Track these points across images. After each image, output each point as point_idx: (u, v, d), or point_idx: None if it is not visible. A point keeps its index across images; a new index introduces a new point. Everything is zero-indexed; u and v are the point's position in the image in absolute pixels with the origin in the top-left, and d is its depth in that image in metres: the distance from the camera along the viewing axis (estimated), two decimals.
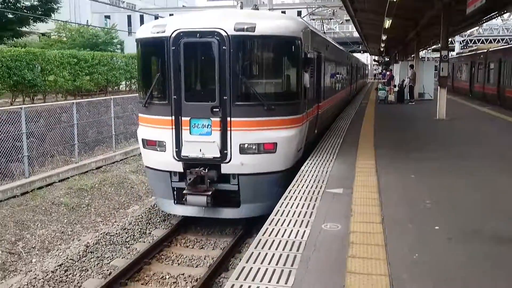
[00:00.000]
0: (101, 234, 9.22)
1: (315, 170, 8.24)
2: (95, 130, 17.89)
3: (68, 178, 13.68)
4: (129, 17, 76.96)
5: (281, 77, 8.69)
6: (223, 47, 7.78)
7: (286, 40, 8.35)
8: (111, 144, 17.35)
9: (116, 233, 9.21)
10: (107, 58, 22.74)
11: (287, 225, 5.38)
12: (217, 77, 7.86)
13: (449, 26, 15.89)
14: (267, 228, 5.29)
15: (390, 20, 16.52)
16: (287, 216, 5.72)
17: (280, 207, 6.08)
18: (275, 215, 5.74)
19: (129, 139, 20.04)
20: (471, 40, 58.29)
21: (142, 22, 76.93)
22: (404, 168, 8.37)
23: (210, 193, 7.93)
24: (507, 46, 25.44)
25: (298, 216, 5.68)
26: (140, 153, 17.59)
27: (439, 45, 46.14)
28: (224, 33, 7.78)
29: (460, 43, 61.86)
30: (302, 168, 8.43)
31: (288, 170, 8.45)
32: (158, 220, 10.11)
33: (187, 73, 8.11)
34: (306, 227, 5.30)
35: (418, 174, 7.86)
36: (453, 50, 63.14)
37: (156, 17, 74.94)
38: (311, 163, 8.89)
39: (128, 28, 74.69)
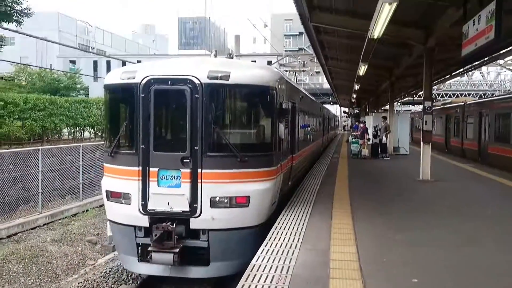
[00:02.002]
0: None
1: (271, 265, 5.67)
2: (19, 187, 15.00)
3: None
4: (95, 62, 74.86)
5: (256, 127, 8.34)
6: (196, 95, 7.46)
7: (261, 90, 8.02)
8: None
9: None
10: (44, 103, 19.94)
11: None
12: (188, 126, 7.51)
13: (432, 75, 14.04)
14: None
15: (366, 66, 14.63)
16: None
17: None
18: None
19: (65, 196, 17.19)
20: (438, 94, 58.43)
21: (108, 68, 74.93)
22: (399, 262, 5.91)
23: (177, 250, 7.31)
24: (488, 98, 24.09)
25: None
26: (71, 215, 15.22)
27: (408, 98, 45.34)
28: (197, 81, 7.48)
29: None
30: (253, 261, 5.85)
31: (261, 225, 7.93)
32: None
33: (156, 121, 7.74)
34: None
35: (421, 275, 5.38)
36: (421, 104, 63.25)
37: (124, 64, 73.63)
38: (268, 250, 6.34)
39: (94, 74, 72.52)
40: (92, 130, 24.90)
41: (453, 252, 6.36)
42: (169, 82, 7.60)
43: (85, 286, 8.95)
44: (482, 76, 60.33)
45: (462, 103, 25.15)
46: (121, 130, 8.19)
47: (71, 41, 76.51)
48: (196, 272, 7.77)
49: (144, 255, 7.83)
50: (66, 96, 32.83)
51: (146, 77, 7.64)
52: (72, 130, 23.63)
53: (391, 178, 14.52)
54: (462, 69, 18.87)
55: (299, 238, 6.91)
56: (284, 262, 5.79)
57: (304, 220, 8.10)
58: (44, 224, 13.75)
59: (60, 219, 14.56)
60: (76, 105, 22.12)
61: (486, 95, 52.14)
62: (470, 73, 51.24)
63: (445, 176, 14.56)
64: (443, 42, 13.60)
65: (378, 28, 9.11)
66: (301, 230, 7.42)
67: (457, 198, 10.99)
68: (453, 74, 19.72)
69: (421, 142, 14.01)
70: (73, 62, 73.93)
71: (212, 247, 7.62)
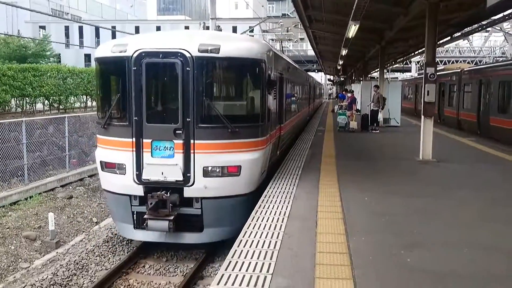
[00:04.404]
0: None
1: None
2: None
3: None
4: (66, 28, 70.63)
5: (245, 99, 8.58)
6: (187, 69, 7.61)
7: (250, 62, 8.22)
8: None
9: None
10: None
11: None
12: (180, 98, 7.67)
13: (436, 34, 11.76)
14: None
15: (357, 26, 12.30)
16: None
17: None
18: None
19: (9, 180, 14.75)
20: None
21: (81, 34, 71.06)
22: None
23: (172, 217, 7.63)
24: (490, 64, 21.96)
25: None
26: (10, 204, 12.87)
27: (397, 65, 43.25)
28: (187, 54, 7.61)
29: (416, 64, 60.16)
30: None
31: (252, 193, 8.20)
32: None
33: (148, 94, 7.90)
34: None
35: None
36: (410, 71, 61.40)
37: (97, 30, 69.21)
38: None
39: (65, 40, 68.66)
40: (46, 101, 22.25)
41: None
42: (160, 55, 7.69)
43: None
44: (469, 43, 58.38)
45: (458, 70, 23.05)
46: (114, 103, 8.27)
47: (44, 6, 72.10)
48: (190, 238, 8.06)
49: (139, 223, 8.10)
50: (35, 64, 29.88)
51: (138, 50, 7.72)
52: (21, 102, 20.84)
53: (387, 158, 12.36)
54: (469, 29, 16.55)
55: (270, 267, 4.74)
56: None
57: (279, 231, 5.92)
58: None
59: None
60: (24, 73, 19.32)
61: (475, 62, 50.30)
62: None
63: (447, 155, 12.49)
64: None
65: None
66: (274, 253, 5.24)
67: (473, 188, 8.83)
68: (454, 36, 17.51)
69: (422, 116, 11.88)
70: (42, 27, 69.62)
71: (205, 214, 7.85)
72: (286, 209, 6.94)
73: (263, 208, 7.03)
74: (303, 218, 6.44)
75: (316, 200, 7.53)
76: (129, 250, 9.25)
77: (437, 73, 26.54)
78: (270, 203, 7.33)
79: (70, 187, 15.68)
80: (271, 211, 6.82)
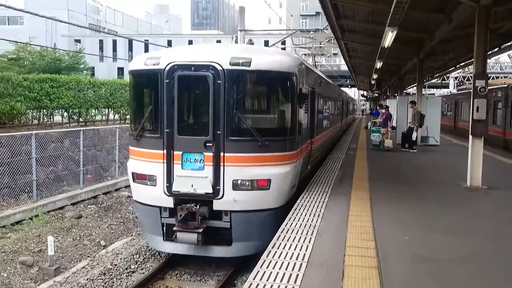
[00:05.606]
0: None
1: None
2: None
3: None
4: (101, 41, 71.60)
5: (276, 112, 8.57)
6: (218, 81, 7.61)
7: (281, 76, 8.18)
8: None
9: None
10: None
11: None
12: (211, 111, 7.65)
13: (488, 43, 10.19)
14: None
15: (394, 32, 10.89)
16: None
17: None
18: None
19: (19, 196, 13.89)
20: (464, 77, 54.02)
21: (114, 48, 71.90)
22: None
23: (201, 230, 7.58)
24: None
25: None
26: (12, 224, 12.03)
27: (435, 81, 41.35)
28: (219, 67, 7.62)
29: (454, 80, 57.92)
30: None
31: (281, 208, 8.11)
32: None
33: (180, 106, 7.94)
34: None
35: None
36: (447, 87, 59.04)
37: (130, 43, 69.84)
38: None
39: (99, 53, 69.51)
40: (65, 114, 21.58)
41: None
42: (192, 68, 7.71)
43: None
44: (510, 58, 55.79)
45: (505, 85, 21.17)
46: (146, 115, 8.32)
47: (81, 20, 73.42)
48: (219, 251, 7.98)
49: (169, 235, 8.05)
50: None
51: (170, 63, 7.77)
52: (38, 114, 20.21)
53: (428, 183, 10.73)
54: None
55: None
56: None
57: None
58: None
59: None
60: (41, 84, 18.70)
61: None
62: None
63: (499, 181, 10.82)
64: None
65: None
66: None
67: None
68: (502, 47, 15.81)
69: (470, 136, 10.32)
70: (78, 41, 70.70)
71: (234, 227, 7.81)
72: (306, 250, 5.57)
73: (277, 248, 5.69)
74: (326, 265, 5.06)
75: (344, 237, 6.14)
76: (127, 284, 8.08)
77: None
78: (287, 241, 5.99)
79: (81, 205, 14.71)
80: (287, 253, 5.47)
